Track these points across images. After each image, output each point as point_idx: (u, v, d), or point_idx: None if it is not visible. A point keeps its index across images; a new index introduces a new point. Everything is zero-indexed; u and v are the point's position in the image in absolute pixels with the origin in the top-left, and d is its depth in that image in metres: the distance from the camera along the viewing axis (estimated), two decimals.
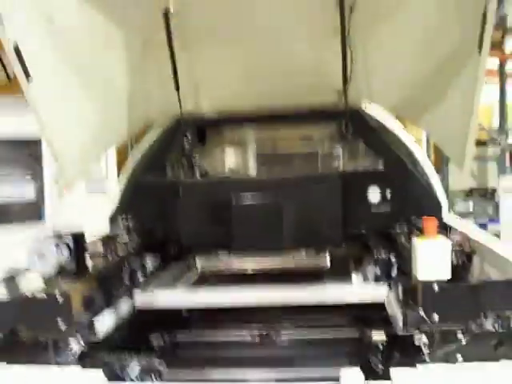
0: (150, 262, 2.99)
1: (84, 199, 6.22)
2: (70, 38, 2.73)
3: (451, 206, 10.49)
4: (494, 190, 10.84)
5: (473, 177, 12.39)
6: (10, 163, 6.22)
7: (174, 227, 3.29)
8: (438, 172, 10.28)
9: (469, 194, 11.69)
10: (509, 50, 11.91)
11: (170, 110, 3.41)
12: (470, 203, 10.44)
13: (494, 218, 9.89)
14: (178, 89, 3.20)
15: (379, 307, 2.70)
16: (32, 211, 6.26)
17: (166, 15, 2.96)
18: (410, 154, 3.41)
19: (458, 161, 2.77)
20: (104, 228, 3.50)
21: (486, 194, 11.13)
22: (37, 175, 6.21)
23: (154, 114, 3.52)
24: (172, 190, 3.35)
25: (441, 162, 11.41)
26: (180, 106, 3.29)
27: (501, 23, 11.54)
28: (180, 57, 3.13)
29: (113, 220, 3.37)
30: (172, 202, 3.32)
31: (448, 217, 3.27)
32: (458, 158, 2.74)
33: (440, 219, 3.04)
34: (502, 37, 11.40)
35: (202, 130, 3.58)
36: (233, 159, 4.03)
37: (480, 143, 12.66)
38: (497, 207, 9.91)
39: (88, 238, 2.78)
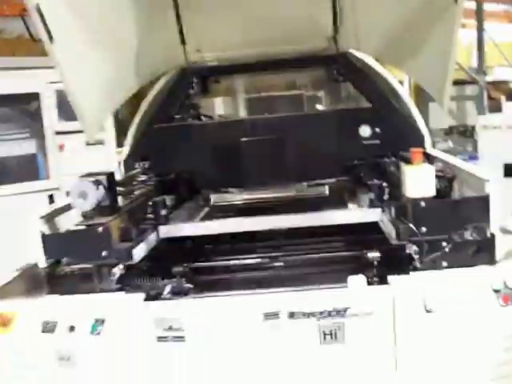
0: (168, 199, 3.32)
1: (82, 151, 6.48)
2: (85, 1, 3.01)
3: (433, 144, 10.91)
4: (472, 128, 11.17)
5: (452, 115, 12.79)
6: (7, 121, 6.40)
7: (186, 168, 3.65)
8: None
9: (448, 132, 12.10)
10: None
11: (176, 63, 3.73)
12: (449, 141, 10.82)
13: (473, 155, 10.27)
14: (183, 43, 3.51)
15: (373, 229, 3.09)
16: (30, 168, 6.49)
17: None
18: (395, 93, 3.76)
19: (438, 98, 3.13)
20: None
21: (465, 132, 11.48)
22: (35, 132, 6.39)
23: (161, 67, 3.82)
24: (183, 133, 3.71)
25: (421, 103, 11.72)
26: (186, 59, 3.61)
27: None
28: (183, 14, 3.43)
29: (126, 163, 3.69)
30: (183, 145, 3.67)
31: (430, 148, 3.63)
32: (439, 96, 3.09)
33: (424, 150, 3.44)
34: None
35: (204, 79, 3.89)
36: (229, 103, 4.36)
37: (459, 82, 13.05)
38: (476, 144, 10.28)
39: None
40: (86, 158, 6.43)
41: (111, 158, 6.68)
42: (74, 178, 6.18)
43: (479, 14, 11.84)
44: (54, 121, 6.23)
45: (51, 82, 6.10)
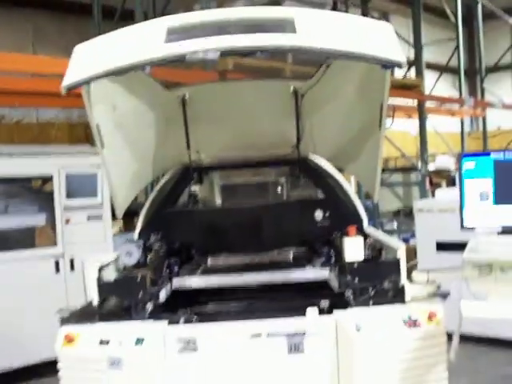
0: (176, 260, 4.56)
1: (85, 224, 7.71)
2: (123, 117, 4.29)
3: (381, 224, 12.37)
4: None
5: (399, 199, 14.36)
6: (22, 197, 7.57)
7: (187, 239, 4.91)
8: (371, 197, 12.02)
9: (396, 213, 13.63)
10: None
11: (181, 161, 5.04)
12: (395, 222, 12.26)
13: (414, 234, 11.64)
14: (188, 147, 4.85)
15: (323, 283, 4.35)
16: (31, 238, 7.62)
17: (183, 100, 4.63)
18: (341, 187, 5.08)
19: (371, 193, 4.49)
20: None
21: (410, 213, 12.91)
22: (45, 207, 7.55)
23: (170, 165, 5.11)
24: (186, 216, 5.01)
25: None
26: (189, 158, 4.94)
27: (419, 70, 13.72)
28: (190, 127, 4.78)
29: (140, 235, 4.87)
30: (186, 224, 4.94)
31: (367, 228, 4.92)
32: (371, 192, 4.46)
33: (362, 229, 4.75)
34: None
35: (200, 173, 5.21)
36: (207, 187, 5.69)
37: (405, 170, 14.68)
38: None
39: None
40: (87, 229, 7.67)
41: (107, 230, 7.93)
42: (78, 246, 7.34)
43: (421, 112, 13.58)
44: (63, 198, 7.45)
45: (62, 168, 7.41)
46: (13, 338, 6.77)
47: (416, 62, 13.78)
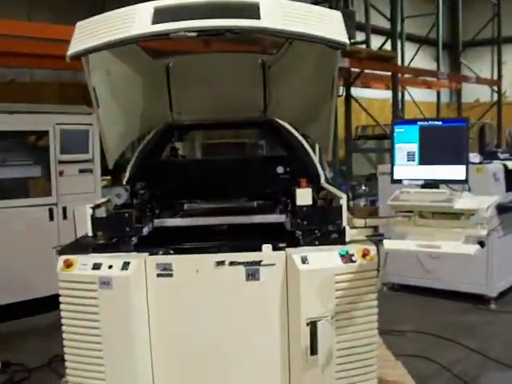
0: (158, 205, 5.35)
1: (77, 177, 8.48)
2: (115, 82, 5.00)
3: (352, 187, 13.21)
4: None
5: (372, 165, 15.16)
6: (20, 150, 8.29)
7: (169, 188, 5.69)
8: (345, 162, 12.95)
9: (369, 178, 14.41)
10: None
11: (164, 120, 5.81)
12: (363, 186, 13.08)
13: None
14: (171, 109, 5.62)
15: (280, 226, 5.12)
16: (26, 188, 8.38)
17: (167, 68, 5.38)
18: (303, 147, 5.86)
19: (325, 152, 5.28)
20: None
21: None
22: (41, 160, 8.29)
23: (155, 123, 5.87)
24: (169, 166, 5.79)
25: (347, 156, 14.11)
26: (172, 118, 5.70)
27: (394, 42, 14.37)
28: (172, 91, 5.54)
29: (127, 182, 5.61)
30: (168, 173, 5.72)
31: (324, 183, 5.69)
32: (325, 151, 5.24)
33: (318, 184, 5.53)
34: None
35: (181, 132, 5.99)
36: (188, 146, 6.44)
37: (378, 137, 15.48)
38: None
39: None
40: (79, 181, 8.45)
41: (97, 182, 8.71)
42: (70, 197, 8.15)
43: (394, 83, 14.29)
44: (57, 152, 8.20)
45: (57, 124, 8.14)
46: (11, 276, 7.58)
47: (392, 35, 14.36)
